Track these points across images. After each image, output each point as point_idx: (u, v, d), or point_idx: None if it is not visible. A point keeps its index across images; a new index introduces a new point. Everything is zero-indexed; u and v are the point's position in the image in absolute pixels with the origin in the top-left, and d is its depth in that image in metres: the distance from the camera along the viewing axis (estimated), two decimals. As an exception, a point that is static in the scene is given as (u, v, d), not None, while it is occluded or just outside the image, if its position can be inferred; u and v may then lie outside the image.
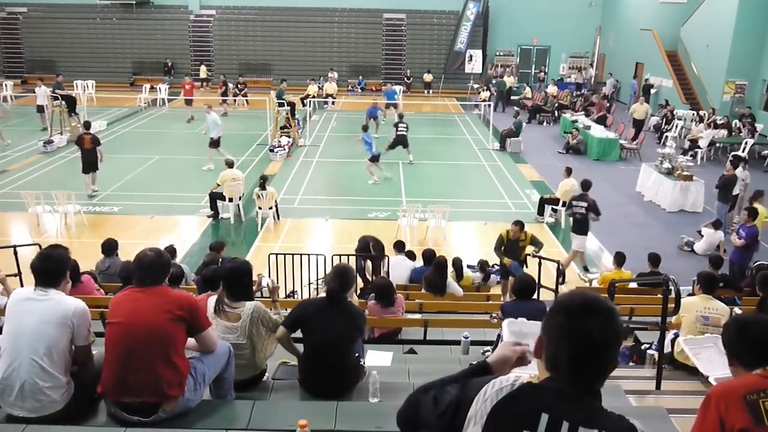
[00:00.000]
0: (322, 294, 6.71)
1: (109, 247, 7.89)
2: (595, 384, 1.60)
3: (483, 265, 9.28)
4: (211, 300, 4.02)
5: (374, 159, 15.00)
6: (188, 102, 21.83)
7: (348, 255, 8.57)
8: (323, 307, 3.99)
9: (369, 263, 8.63)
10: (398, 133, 16.18)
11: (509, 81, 26.82)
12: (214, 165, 15.01)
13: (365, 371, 4.10)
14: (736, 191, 11.82)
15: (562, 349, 1.58)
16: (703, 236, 10.95)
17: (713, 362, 3.63)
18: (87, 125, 13.90)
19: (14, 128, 20.16)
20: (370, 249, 8.46)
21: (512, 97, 26.33)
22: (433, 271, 7.69)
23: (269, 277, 8.39)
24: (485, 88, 25.66)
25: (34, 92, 19.53)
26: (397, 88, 24.94)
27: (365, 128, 15.90)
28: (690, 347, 3.80)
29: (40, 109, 19.14)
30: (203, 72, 28.00)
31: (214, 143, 15.47)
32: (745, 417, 2.23)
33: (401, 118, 16.53)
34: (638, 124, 19.67)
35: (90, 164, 13.26)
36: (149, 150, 17.26)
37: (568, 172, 12.54)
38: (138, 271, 3.36)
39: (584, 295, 1.65)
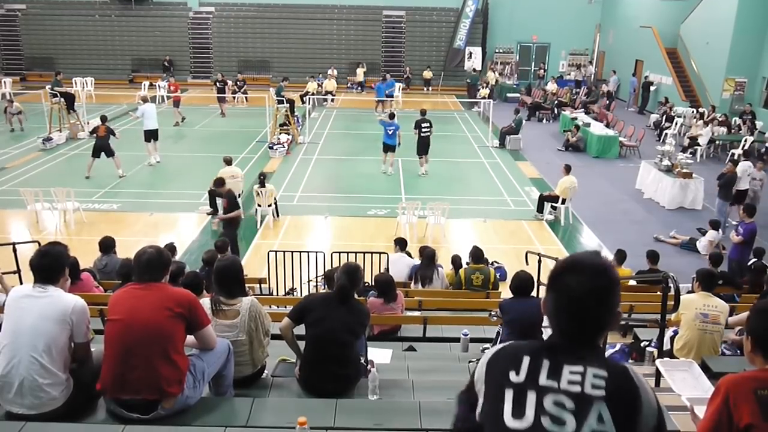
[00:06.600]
0: (323, 291, 6.75)
1: (106, 245, 7.88)
2: (583, 338, 1.66)
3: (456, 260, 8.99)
4: (205, 302, 3.99)
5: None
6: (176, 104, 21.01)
7: (348, 252, 8.59)
8: (329, 301, 3.99)
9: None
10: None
11: (492, 77, 26.97)
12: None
13: (368, 370, 4.08)
14: (744, 186, 11.79)
15: (550, 304, 1.70)
16: (705, 235, 10.97)
17: (687, 384, 3.68)
18: (103, 119, 14.98)
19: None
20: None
21: (509, 95, 26.38)
22: (425, 264, 7.73)
23: (268, 274, 8.41)
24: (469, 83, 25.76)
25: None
26: (397, 85, 24.87)
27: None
28: (665, 368, 3.86)
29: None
30: (360, 74, 27.39)
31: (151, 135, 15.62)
32: (753, 412, 2.18)
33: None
34: None
35: (98, 149, 14.32)
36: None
37: (567, 169, 12.56)
38: (137, 269, 3.36)
39: (579, 254, 1.75)
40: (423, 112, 15.66)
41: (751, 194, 12.08)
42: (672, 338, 5.44)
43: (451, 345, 5.79)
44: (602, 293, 1.65)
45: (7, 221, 11.94)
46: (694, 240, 11.11)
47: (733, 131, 18.65)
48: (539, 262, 8.12)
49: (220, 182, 10.32)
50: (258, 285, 8.17)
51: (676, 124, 19.99)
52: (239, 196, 12.26)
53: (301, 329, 4.01)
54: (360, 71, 28.18)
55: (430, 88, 28.68)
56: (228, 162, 12.34)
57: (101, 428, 3.36)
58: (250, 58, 29.27)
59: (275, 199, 12.14)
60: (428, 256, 7.85)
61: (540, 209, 12.67)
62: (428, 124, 15.20)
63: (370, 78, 28.38)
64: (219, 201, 12.22)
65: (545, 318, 1.75)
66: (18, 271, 7.34)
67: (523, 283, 5.35)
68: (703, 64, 22.22)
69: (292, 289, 8.45)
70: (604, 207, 13.41)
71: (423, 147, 15.21)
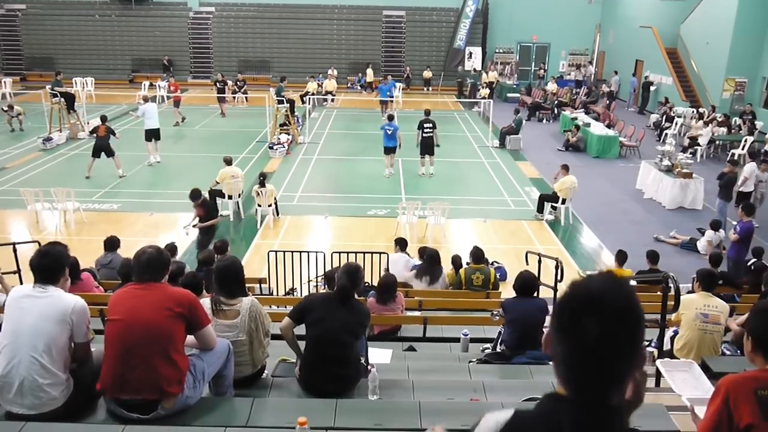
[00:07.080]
0: (323, 291, 6.75)
1: (111, 243, 7.98)
2: (601, 395, 1.32)
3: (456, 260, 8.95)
4: (205, 302, 3.99)
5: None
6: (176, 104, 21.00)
7: (348, 252, 8.59)
8: (329, 301, 3.99)
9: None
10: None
11: (493, 76, 27.06)
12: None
13: (368, 370, 4.08)
14: (751, 188, 11.79)
15: (557, 349, 1.35)
16: (704, 235, 10.97)
17: (687, 384, 3.71)
18: (104, 119, 15.01)
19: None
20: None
21: (509, 95, 26.40)
22: (428, 264, 7.72)
23: (268, 274, 8.41)
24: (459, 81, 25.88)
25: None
26: (398, 85, 24.87)
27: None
28: (666, 369, 3.89)
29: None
30: (371, 75, 27.46)
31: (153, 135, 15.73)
32: (753, 412, 2.18)
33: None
34: None
35: (98, 149, 14.34)
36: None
37: (566, 169, 12.54)
38: (137, 268, 3.36)
39: (594, 282, 1.34)
40: (427, 113, 15.63)
41: (758, 196, 12.04)
42: (672, 338, 5.44)
43: (451, 345, 5.79)
44: (627, 338, 1.29)
45: (7, 221, 11.94)
46: (695, 240, 11.11)
47: (733, 131, 18.64)
48: (539, 262, 8.11)
49: (196, 194, 9.87)
50: (258, 285, 8.17)
51: (676, 124, 19.98)
52: (239, 196, 12.30)
53: (301, 329, 4.01)
54: (370, 72, 28.21)
55: (430, 88, 28.68)
56: (228, 162, 12.32)
57: (101, 428, 3.36)
58: (250, 58, 29.28)
59: (275, 199, 12.13)
60: (431, 256, 7.81)
61: (540, 209, 12.66)
62: (431, 125, 15.15)
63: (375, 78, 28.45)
64: (219, 201, 12.23)
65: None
66: (18, 271, 7.33)
67: (526, 282, 5.34)
68: (703, 64, 22.22)
69: (292, 289, 8.45)
70: (604, 207, 13.41)
71: (425, 147, 15.18)
